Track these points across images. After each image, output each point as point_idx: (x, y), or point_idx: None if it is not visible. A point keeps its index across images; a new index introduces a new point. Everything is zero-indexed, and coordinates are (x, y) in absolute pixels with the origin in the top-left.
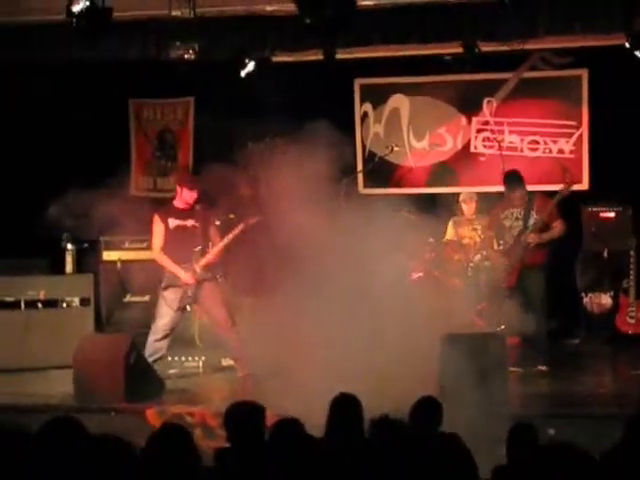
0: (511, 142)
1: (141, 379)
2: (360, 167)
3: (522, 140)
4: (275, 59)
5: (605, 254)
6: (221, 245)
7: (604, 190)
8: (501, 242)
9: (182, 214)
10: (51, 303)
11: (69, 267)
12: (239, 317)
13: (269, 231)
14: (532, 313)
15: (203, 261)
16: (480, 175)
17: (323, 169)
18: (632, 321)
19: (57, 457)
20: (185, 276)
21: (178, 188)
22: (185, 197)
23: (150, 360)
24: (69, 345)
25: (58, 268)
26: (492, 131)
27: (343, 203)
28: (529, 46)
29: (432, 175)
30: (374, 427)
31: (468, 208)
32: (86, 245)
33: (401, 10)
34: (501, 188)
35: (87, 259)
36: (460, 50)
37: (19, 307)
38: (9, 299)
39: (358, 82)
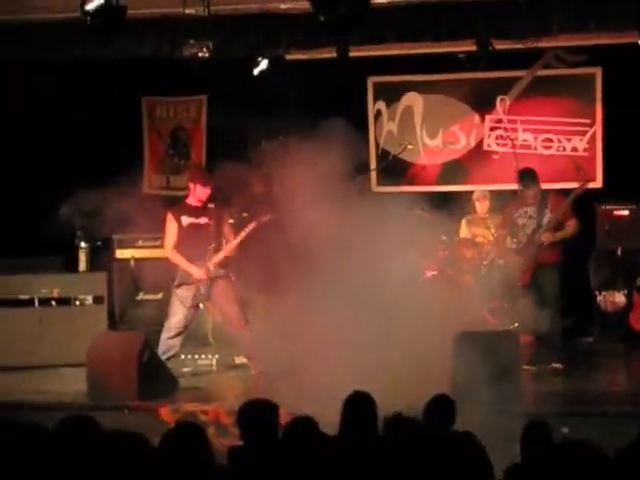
0: (525, 140)
1: (154, 377)
2: (373, 165)
3: (536, 138)
4: (288, 57)
5: (619, 252)
6: (234, 243)
7: (618, 188)
8: (514, 240)
9: (195, 212)
10: (65, 301)
11: (82, 265)
12: (252, 315)
13: (282, 229)
14: (546, 311)
15: (216, 258)
16: (493, 173)
17: (336, 167)
18: None
19: (74, 454)
20: (197, 272)
21: (191, 185)
22: (198, 194)
23: (163, 358)
24: (82, 343)
25: (72, 266)
26: (505, 129)
27: (356, 201)
28: (543, 44)
29: (444, 173)
30: (388, 425)
31: (481, 206)
32: (99, 243)
33: (415, 8)
34: (514, 186)
35: (100, 257)
36: (474, 48)
37: (33, 305)
38: (23, 297)
39: (371, 80)
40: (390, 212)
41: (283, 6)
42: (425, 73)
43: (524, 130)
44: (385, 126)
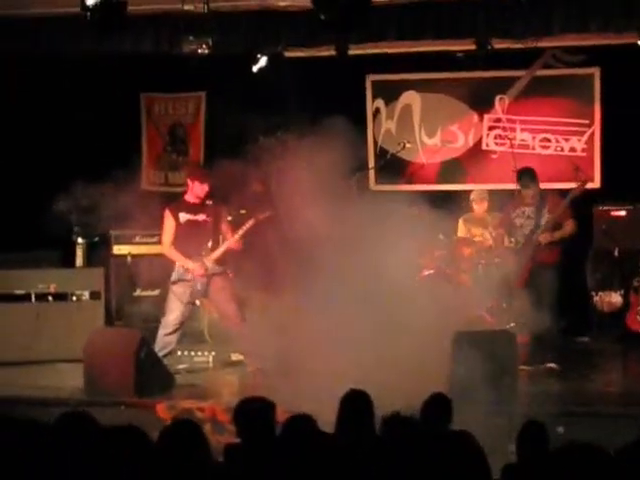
0: (523, 140)
1: (151, 374)
2: (372, 163)
3: (534, 138)
4: (287, 54)
5: (616, 253)
6: (232, 240)
7: (615, 189)
8: (512, 240)
9: (193, 208)
10: (61, 296)
11: (79, 261)
12: (249, 312)
13: (280, 226)
14: (543, 311)
15: (214, 255)
16: (491, 173)
17: (334, 165)
18: None
19: (72, 451)
20: (194, 266)
21: (189, 182)
22: (196, 191)
23: (160, 354)
24: (79, 339)
25: (69, 261)
26: (504, 129)
27: (354, 199)
28: (542, 44)
29: (442, 172)
30: (386, 424)
31: (479, 208)
32: (97, 239)
33: (415, 6)
34: (512, 186)
35: (98, 253)
36: (472, 47)
37: (30, 300)
38: (20, 292)
39: (370, 78)
40: (388, 211)
41: (282, 3)
42: (424, 72)
43: (522, 130)
44: (384, 124)
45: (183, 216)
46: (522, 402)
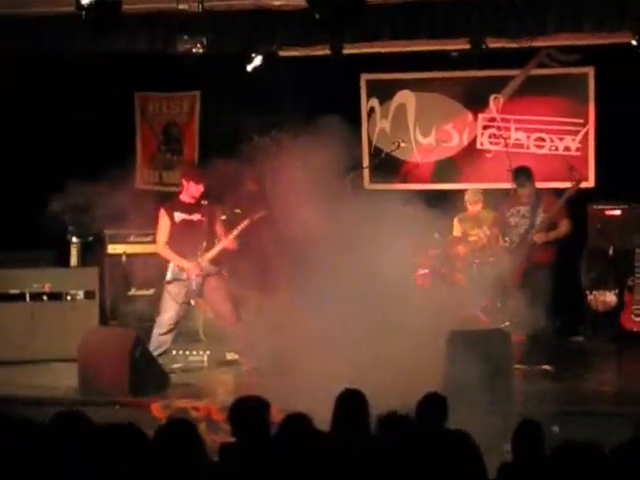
0: (517, 139)
1: (146, 373)
2: (366, 162)
3: (528, 137)
4: (282, 54)
5: (610, 252)
6: (227, 240)
7: (610, 188)
8: (506, 239)
9: (188, 208)
10: (56, 296)
11: (74, 260)
12: (245, 311)
13: (275, 226)
14: (538, 311)
15: (209, 255)
16: (486, 172)
17: (329, 164)
18: (637, 319)
19: (68, 450)
20: (189, 265)
21: (184, 182)
22: (192, 191)
23: (155, 354)
24: (74, 338)
25: (63, 261)
26: (498, 128)
27: (349, 198)
28: (536, 43)
29: (437, 171)
30: (381, 423)
31: (473, 209)
32: (91, 238)
33: (410, 5)
34: (507, 185)
35: (92, 252)
36: (467, 46)
37: (24, 299)
38: (14, 291)
39: (365, 77)
40: (382, 210)
41: (277, 2)
42: (418, 71)
43: (517, 129)
44: (378, 124)
45: (178, 216)
46: (517, 401)
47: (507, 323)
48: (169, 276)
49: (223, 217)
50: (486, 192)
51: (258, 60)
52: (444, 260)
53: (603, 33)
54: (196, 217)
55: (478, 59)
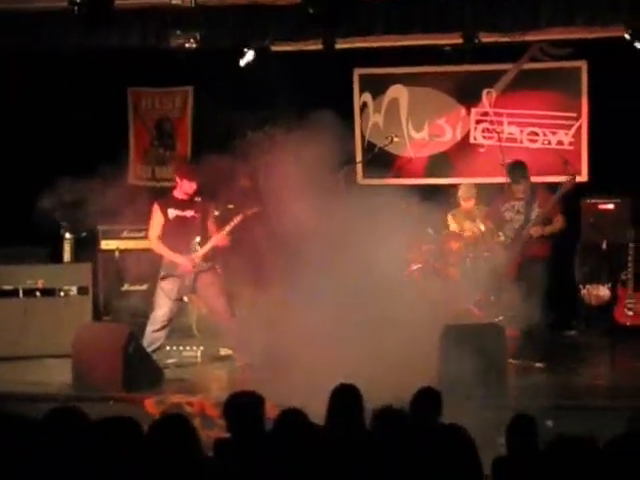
0: (510, 133)
1: (140, 368)
2: (359, 157)
3: (521, 131)
4: (274, 48)
5: (604, 246)
6: (220, 236)
7: (603, 182)
8: (500, 234)
9: (182, 204)
10: (49, 292)
11: (67, 256)
12: (238, 307)
13: (268, 221)
14: (533, 305)
15: (202, 251)
16: (479, 166)
17: (322, 159)
18: (630, 313)
19: (63, 446)
20: (183, 260)
21: (178, 179)
22: (185, 188)
23: (148, 350)
24: (67, 334)
25: (56, 257)
26: (492, 122)
27: (342, 193)
28: (529, 37)
29: (430, 165)
30: (376, 418)
31: (466, 205)
32: (84, 234)
33: (402, 0)
34: (500, 179)
35: (85, 248)
36: (460, 41)
37: (17, 295)
38: (7, 287)
39: (357, 72)
40: (375, 205)
41: None
42: (411, 65)
43: (509, 123)
44: (371, 118)
45: (172, 212)
46: (511, 395)
47: (501, 317)
48: (163, 272)
49: (216, 213)
50: (479, 187)
51: (250, 55)
52: (438, 255)
53: (596, 27)
54: (189, 213)
55: (471, 53)
